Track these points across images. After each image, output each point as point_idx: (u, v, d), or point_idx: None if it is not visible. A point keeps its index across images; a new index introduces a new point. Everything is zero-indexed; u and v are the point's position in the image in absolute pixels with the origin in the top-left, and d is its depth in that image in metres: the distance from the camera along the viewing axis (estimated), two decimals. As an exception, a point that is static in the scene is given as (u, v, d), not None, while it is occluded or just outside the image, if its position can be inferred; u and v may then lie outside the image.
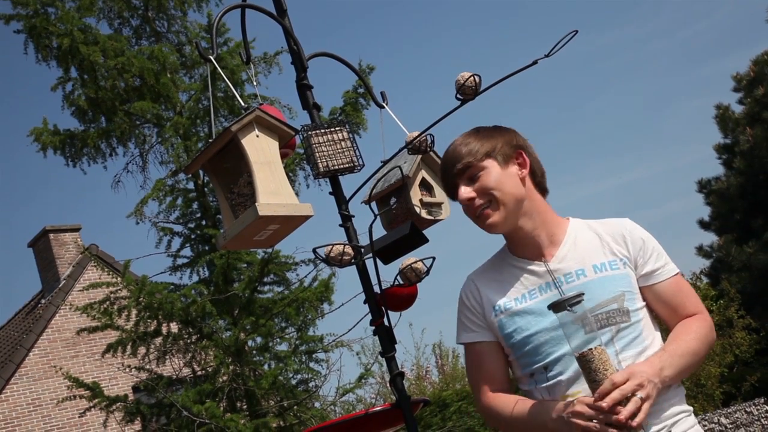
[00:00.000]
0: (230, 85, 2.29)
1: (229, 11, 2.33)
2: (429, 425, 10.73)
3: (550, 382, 2.03)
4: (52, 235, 16.35)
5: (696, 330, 2.06)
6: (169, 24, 9.75)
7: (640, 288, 2.08)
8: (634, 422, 1.83)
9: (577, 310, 1.90)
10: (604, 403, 1.83)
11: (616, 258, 2.08)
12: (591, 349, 1.87)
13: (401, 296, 2.13)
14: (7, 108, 26.65)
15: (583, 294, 1.91)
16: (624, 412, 1.83)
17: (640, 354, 2.01)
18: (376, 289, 2.15)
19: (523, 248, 2.11)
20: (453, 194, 2.11)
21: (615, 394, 1.83)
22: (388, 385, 2.16)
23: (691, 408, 2.09)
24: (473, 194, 2.05)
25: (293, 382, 8.48)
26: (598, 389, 1.85)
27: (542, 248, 2.09)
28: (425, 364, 16.03)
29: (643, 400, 1.85)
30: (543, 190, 2.16)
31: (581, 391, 1.97)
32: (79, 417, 9.28)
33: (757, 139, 15.30)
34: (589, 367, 1.87)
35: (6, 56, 26.14)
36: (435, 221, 2.37)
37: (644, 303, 2.08)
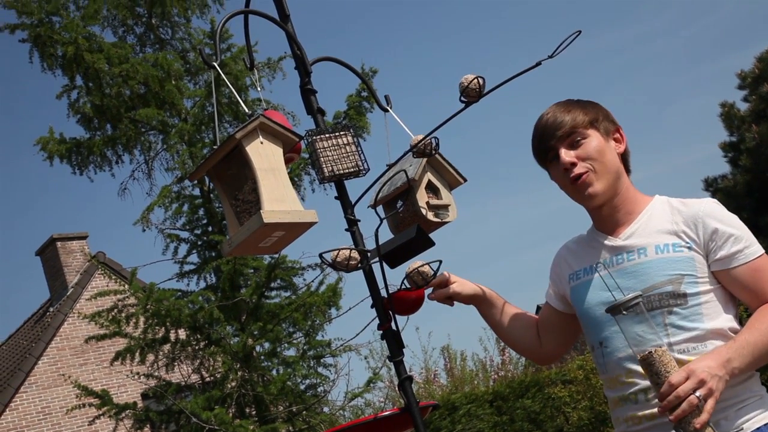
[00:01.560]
0: (234, 91, 2.28)
1: (232, 17, 2.33)
2: (438, 429, 10.71)
3: (606, 359, 2.06)
4: (59, 243, 16.39)
5: (766, 318, 1.95)
6: (173, 31, 9.78)
7: (716, 272, 2.02)
8: (697, 423, 1.78)
9: (634, 311, 1.89)
10: (658, 409, 1.81)
11: (681, 241, 2.03)
12: (651, 351, 1.84)
13: (408, 300, 2.12)
14: (13, 117, 26.73)
15: (640, 296, 1.90)
16: (673, 415, 1.79)
17: (694, 339, 1.97)
18: (383, 293, 2.15)
19: (603, 223, 2.15)
20: (545, 159, 2.13)
21: (671, 398, 1.79)
22: (396, 389, 2.16)
23: (764, 390, 2.03)
24: (575, 159, 2.06)
25: (302, 387, 8.48)
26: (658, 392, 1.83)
27: (618, 224, 2.12)
28: (433, 367, 16.00)
29: (704, 398, 1.79)
30: (628, 170, 2.17)
31: (637, 368, 1.98)
32: (88, 425, 9.27)
33: (763, 137, 15.25)
34: (650, 370, 1.85)
35: (11, 65, 26.24)
36: (442, 223, 2.37)
37: (712, 287, 2.02)
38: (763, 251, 2.04)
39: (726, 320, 2.02)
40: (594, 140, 2.08)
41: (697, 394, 1.79)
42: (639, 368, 1.95)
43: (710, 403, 1.79)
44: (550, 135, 2.09)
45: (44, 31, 8.70)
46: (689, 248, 2.02)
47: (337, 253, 2.06)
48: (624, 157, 2.16)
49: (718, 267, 2.02)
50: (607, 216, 2.13)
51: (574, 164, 2.06)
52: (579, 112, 2.10)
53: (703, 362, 1.85)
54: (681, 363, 1.93)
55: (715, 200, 2.11)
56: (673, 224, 2.06)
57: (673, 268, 2.00)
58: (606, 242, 2.12)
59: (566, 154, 2.07)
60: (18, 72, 27.36)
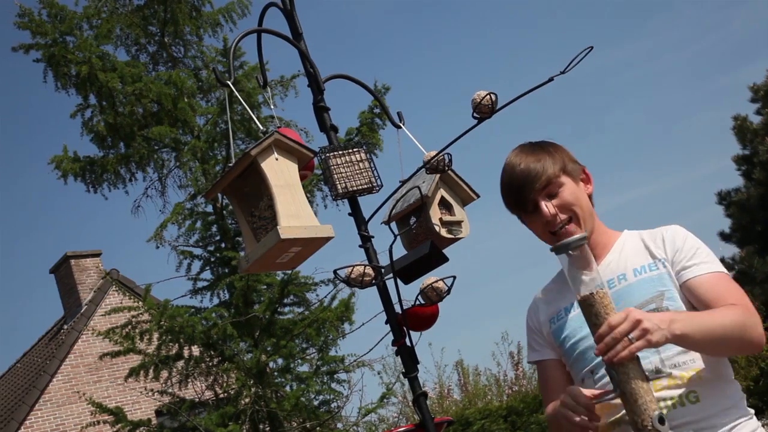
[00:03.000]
0: (247, 108, 2.31)
1: (245, 36, 2.35)
2: (452, 444, 10.67)
3: (598, 386, 2.04)
4: (73, 261, 16.45)
5: (723, 309, 1.95)
6: (186, 49, 9.85)
7: (681, 286, 2.05)
8: (617, 356, 1.75)
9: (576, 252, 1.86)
10: (595, 351, 1.79)
11: (655, 260, 2.09)
12: (592, 293, 1.82)
13: (422, 316, 2.13)
14: (28, 136, 26.93)
15: (584, 237, 1.87)
16: (606, 356, 1.76)
17: (683, 353, 1.98)
18: (398, 309, 2.16)
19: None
20: (524, 210, 2.12)
21: (608, 339, 1.76)
22: (411, 404, 2.16)
23: (751, 411, 2.04)
24: (554, 209, 2.07)
25: (315, 403, 8.47)
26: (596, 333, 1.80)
27: (595, 258, 2.09)
28: (447, 382, 15.95)
29: (636, 339, 1.75)
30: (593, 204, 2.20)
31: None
32: (102, 442, 9.29)
33: (776, 149, 15.21)
34: (590, 311, 1.83)
35: (25, 85, 26.46)
36: (455, 240, 2.38)
37: (685, 303, 2.03)
38: (724, 271, 2.07)
39: None
40: (568, 187, 2.11)
41: (630, 336, 1.75)
42: None
43: (639, 344, 1.76)
44: (529, 187, 2.08)
45: (58, 50, 8.78)
46: (663, 264, 2.07)
47: (352, 270, 2.07)
48: (590, 196, 2.18)
49: (681, 279, 2.05)
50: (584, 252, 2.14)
51: (555, 215, 2.08)
52: (548, 159, 2.11)
53: (646, 313, 1.84)
54: (674, 379, 1.96)
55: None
56: (645, 249, 2.12)
57: (653, 287, 2.04)
58: (583, 277, 2.09)
59: (547, 206, 2.07)
60: (32, 92, 27.58)
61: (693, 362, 1.98)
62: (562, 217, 2.08)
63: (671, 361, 1.98)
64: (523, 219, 2.17)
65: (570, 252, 1.85)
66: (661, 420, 1.73)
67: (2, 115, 26.38)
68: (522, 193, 2.10)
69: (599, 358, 1.97)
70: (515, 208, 2.15)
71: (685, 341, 1.87)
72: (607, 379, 1.98)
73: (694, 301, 2.03)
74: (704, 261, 2.06)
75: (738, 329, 1.94)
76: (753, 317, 1.98)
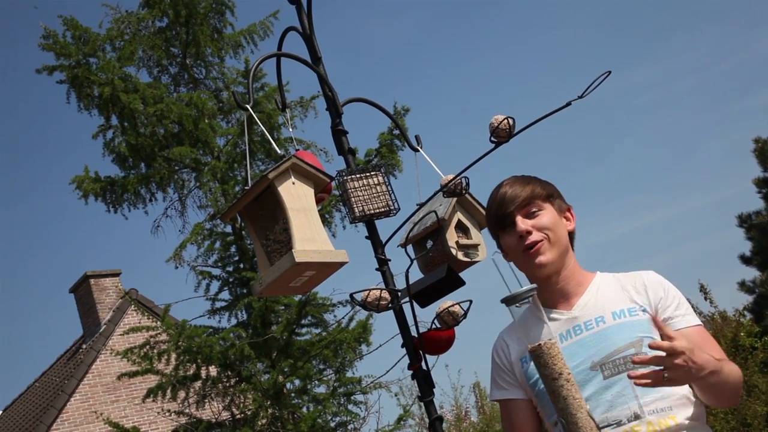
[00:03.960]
0: (266, 131, 2.32)
1: (265, 60, 2.37)
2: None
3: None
4: (92, 281, 16.53)
5: (721, 361, 1.98)
6: (207, 70, 9.94)
7: (661, 336, 2.03)
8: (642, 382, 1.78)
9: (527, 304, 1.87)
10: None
11: (636, 305, 2.09)
12: (540, 344, 1.82)
13: (439, 340, 2.12)
14: (50, 157, 27.20)
15: (534, 288, 1.87)
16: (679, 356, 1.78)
17: (663, 398, 1.98)
18: (414, 333, 2.15)
19: (553, 296, 2.15)
20: (502, 226, 2.13)
21: (668, 348, 1.79)
22: (427, 428, 2.15)
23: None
24: (530, 228, 2.09)
25: (332, 424, 8.43)
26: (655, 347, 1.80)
27: (568, 297, 2.13)
28: (464, 404, 15.86)
29: (690, 369, 1.80)
30: (573, 248, 2.21)
31: None
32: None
33: (798, 173, 15.09)
34: (538, 362, 1.83)
35: (49, 106, 26.76)
36: (472, 263, 2.37)
37: None
38: (701, 324, 2.10)
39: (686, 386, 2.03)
40: (549, 213, 2.13)
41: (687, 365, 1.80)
42: None
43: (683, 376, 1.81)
44: (510, 202, 2.12)
45: (81, 72, 8.88)
46: (644, 311, 2.07)
47: (368, 294, 2.07)
48: (571, 236, 2.20)
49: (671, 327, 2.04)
50: (558, 289, 2.14)
51: (529, 232, 2.09)
52: (537, 185, 2.16)
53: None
54: (653, 425, 1.96)
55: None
56: (623, 292, 2.11)
57: (633, 331, 2.03)
58: (556, 315, 2.12)
59: (522, 222, 2.10)
60: (55, 113, 27.89)
61: (671, 410, 1.98)
62: (535, 236, 2.09)
63: (650, 407, 1.98)
64: (499, 240, 2.17)
65: (517, 305, 1.86)
66: None
67: (25, 135, 26.67)
68: (502, 209, 2.12)
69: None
70: (495, 224, 2.16)
71: (714, 377, 1.89)
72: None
73: None
74: (687, 313, 2.08)
75: (732, 375, 1.97)
76: (734, 365, 2.03)
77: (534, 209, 2.12)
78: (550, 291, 2.14)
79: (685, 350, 1.79)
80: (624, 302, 2.09)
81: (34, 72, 9.05)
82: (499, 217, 2.13)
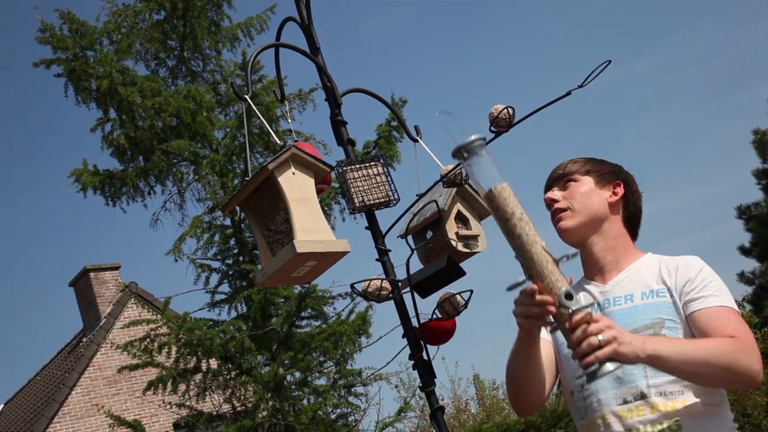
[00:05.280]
0: (265, 122, 2.32)
1: (263, 50, 2.36)
2: (470, 459, 10.61)
3: (585, 402, 2.07)
4: (92, 274, 16.53)
5: (714, 339, 1.94)
6: (204, 63, 9.92)
7: (687, 318, 2.04)
8: (583, 360, 1.72)
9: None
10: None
11: (664, 287, 2.09)
12: (491, 189, 1.75)
13: (440, 330, 2.13)
14: (48, 150, 27.17)
15: (482, 138, 1.78)
16: (572, 345, 1.73)
17: (673, 382, 1.97)
18: (415, 323, 2.15)
19: (590, 268, 2.22)
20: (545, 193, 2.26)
21: (578, 333, 1.73)
22: (428, 419, 2.14)
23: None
24: (558, 197, 2.19)
25: (333, 416, 8.45)
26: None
27: (604, 271, 2.17)
28: (463, 396, 15.88)
29: (603, 343, 1.72)
30: (632, 227, 2.24)
31: (617, 410, 1.99)
32: (121, 455, 9.31)
33: (797, 163, 15.09)
34: (491, 207, 1.77)
35: (46, 99, 26.72)
36: (472, 254, 2.37)
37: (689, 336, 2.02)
38: (734, 306, 2.03)
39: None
40: (583, 185, 2.21)
41: (600, 337, 1.73)
42: (619, 410, 1.99)
43: (606, 350, 1.72)
44: (550, 177, 2.25)
45: (79, 65, 8.86)
46: (670, 294, 2.07)
47: (369, 284, 2.07)
48: (626, 211, 2.23)
49: (687, 310, 2.04)
50: (594, 261, 2.19)
51: (553, 200, 2.19)
52: (582, 162, 2.24)
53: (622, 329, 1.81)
54: (657, 407, 1.95)
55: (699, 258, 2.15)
56: (658, 274, 2.12)
57: (656, 313, 2.04)
58: (593, 288, 2.17)
59: (551, 193, 2.21)
60: (53, 106, 27.85)
61: (681, 394, 1.97)
62: (560, 205, 2.17)
63: (659, 389, 1.98)
64: None
65: (465, 154, 1.75)
66: (568, 296, 1.72)
67: (23, 129, 26.63)
68: (547, 181, 2.25)
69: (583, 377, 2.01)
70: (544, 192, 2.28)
71: (659, 362, 1.85)
72: (591, 396, 2.05)
73: (696, 333, 2.01)
74: (714, 294, 2.03)
75: (725, 358, 1.90)
76: (749, 351, 1.94)
77: (570, 181, 2.21)
78: (586, 262, 2.21)
79: (593, 328, 1.73)
80: (656, 283, 2.11)
81: (32, 65, 9.05)
82: (544, 189, 2.26)
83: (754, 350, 1.95)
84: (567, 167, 2.23)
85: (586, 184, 2.21)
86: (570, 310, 1.71)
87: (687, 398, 1.97)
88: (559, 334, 2.05)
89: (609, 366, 1.71)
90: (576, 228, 2.17)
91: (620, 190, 2.23)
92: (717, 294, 2.04)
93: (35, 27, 8.93)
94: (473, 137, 1.75)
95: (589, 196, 2.19)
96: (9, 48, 25.41)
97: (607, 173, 2.24)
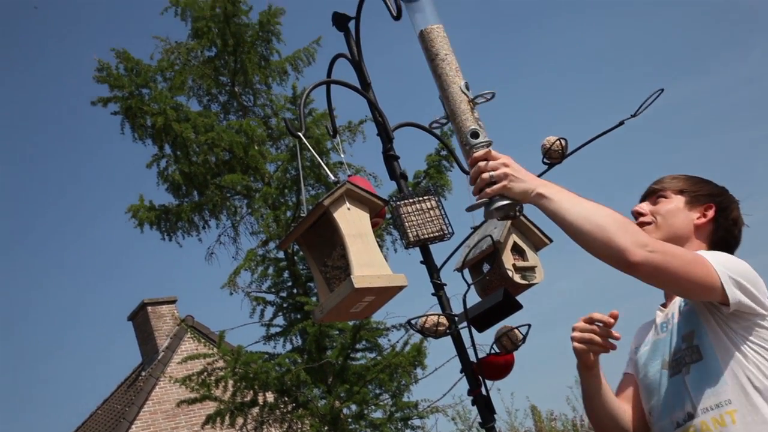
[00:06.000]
0: (316, 155, 2.33)
1: (315, 88, 2.38)
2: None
3: (657, 425, 2.06)
4: (150, 308, 16.74)
5: (605, 207, 1.87)
6: (255, 98, 10.07)
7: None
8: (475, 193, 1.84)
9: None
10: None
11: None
12: (422, 29, 1.90)
13: (498, 365, 2.10)
14: (106, 186, 27.75)
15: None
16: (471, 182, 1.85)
17: (716, 393, 1.91)
18: (472, 357, 2.13)
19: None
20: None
21: (474, 171, 1.85)
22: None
23: None
24: (645, 210, 2.20)
25: (390, 449, 8.40)
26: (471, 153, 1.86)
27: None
28: (520, 428, 15.66)
29: (495, 178, 1.82)
30: (720, 251, 2.10)
31: None
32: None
33: None
34: (423, 46, 1.93)
35: (103, 137, 27.34)
36: (529, 285, 2.34)
37: (727, 339, 1.94)
38: (707, 257, 1.94)
39: (746, 373, 1.92)
40: (672, 203, 2.18)
41: (492, 174, 1.83)
42: None
43: (496, 187, 1.83)
44: (647, 189, 2.25)
45: (135, 103, 9.06)
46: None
47: (426, 320, 2.06)
48: (715, 236, 2.15)
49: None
50: None
51: (639, 213, 2.19)
52: (681, 180, 2.22)
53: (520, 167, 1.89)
54: (706, 425, 1.90)
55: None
56: None
57: (688, 324, 2.02)
58: (659, 311, 2.17)
59: (640, 206, 2.21)
60: (109, 144, 28.47)
61: (729, 403, 1.91)
62: (645, 219, 2.17)
63: (703, 404, 1.93)
64: None
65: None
66: (474, 134, 1.83)
67: (81, 167, 27.26)
68: (646, 191, 2.26)
69: (654, 399, 2.06)
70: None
71: (547, 207, 1.86)
72: (657, 421, 2.04)
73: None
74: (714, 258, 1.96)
75: (604, 221, 1.82)
76: (634, 232, 1.85)
77: (660, 197, 2.20)
78: None
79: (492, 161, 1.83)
80: None
81: (90, 104, 9.28)
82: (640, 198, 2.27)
83: (639, 233, 1.86)
84: (664, 182, 2.22)
85: (675, 202, 2.18)
86: (472, 149, 1.82)
87: (737, 406, 1.90)
88: (640, 362, 2.06)
89: (500, 202, 1.81)
90: None
91: (710, 213, 2.18)
92: (718, 259, 1.96)
93: (93, 66, 9.18)
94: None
95: (674, 214, 2.17)
96: (68, 87, 26.11)
97: (703, 195, 2.19)
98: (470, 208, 1.92)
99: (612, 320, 2.01)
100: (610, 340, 2.01)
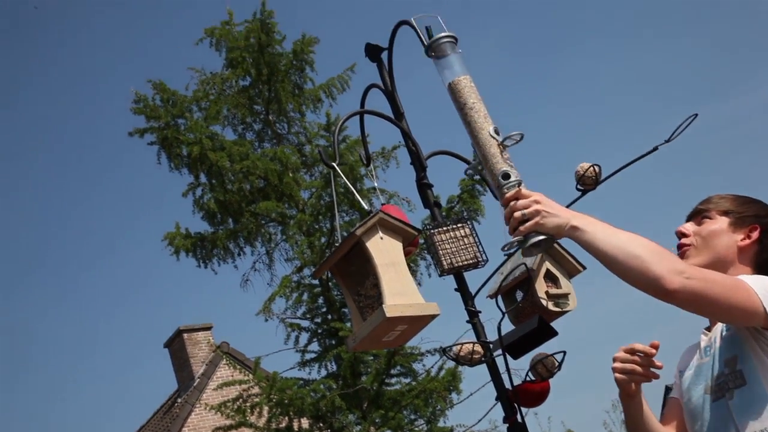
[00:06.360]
0: (350, 184, 2.35)
1: (349, 118, 2.42)
2: None
3: None
4: (186, 335, 16.84)
5: (640, 236, 1.85)
6: (289, 126, 10.17)
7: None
8: (511, 231, 1.87)
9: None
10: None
11: None
12: (450, 82, 2.00)
13: (534, 392, 2.10)
14: (143, 215, 28.09)
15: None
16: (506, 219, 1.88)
17: (762, 418, 1.88)
18: (507, 384, 2.13)
19: None
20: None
21: (507, 212, 1.88)
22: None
23: None
24: (688, 231, 2.15)
25: (426, 475, 8.35)
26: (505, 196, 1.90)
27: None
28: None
29: (528, 216, 1.84)
30: (765, 272, 2.08)
31: None
32: None
33: None
34: (452, 97, 2.01)
35: (140, 167, 27.73)
36: (563, 313, 2.34)
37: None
38: (745, 281, 1.91)
39: None
40: (716, 224, 2.13)
41: (524, 212, 1.85)
42: None
43: (529, 225, 1.85)
44: (694, 208, 2.20)
45: (171, 133, 9.20)
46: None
47: (461, 348, 2.07)
48: (759, 258, 2.11)
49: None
50: None
51: (685, 235, 2.14)
52: (727, 200, 2.17)
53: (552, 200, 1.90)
54: None
55: None
56: None
57: (730, 349, 1.99)
58: (704, 335, 2.14)
59: (684, 226, 2.16)
60: (147, 174, 28.85)
61: None
62: (688, 240, 2.13)
63: (748, 429, 1.90)
64: None
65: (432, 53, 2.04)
66: (505, 176, 1.90)
67: (119, 196, 27.64)
68: (693, 210, 2.21)
69: (698, 424, 2.04)
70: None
71: (581, 238, 1.86)
72: None
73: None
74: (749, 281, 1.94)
75: (645, 254, 1.80)
76: (671, 259, 1.83)
77: (705, 218, 2.15)
78: None
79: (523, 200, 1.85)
80: None
81: (127, 135, 9.44)
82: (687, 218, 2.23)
83: (675, 261, 1.85)
84: (711, 202, 2.17)
85: (719, 223, 2.13)
86: (503, 189, 1.88)
87: None
88: (684, 386, 2.05)
89: (535, 238, 1.84)
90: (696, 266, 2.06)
91: (755, 235, 2.12)
92: (754, 283, 1.93)
93: (130, 98, 9.34)
94: (442, 35, 2.01)
95: (718, 236, 2.11)
96: (106, 118, 26.55)
97: (748, 216, 2.13)
98: (505, 247, 1.95)
99: (654, 350, 1.99)
100: (652, 370, 2.01)
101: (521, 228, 1.85)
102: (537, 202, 1.85)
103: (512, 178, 1.89)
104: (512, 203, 1.87)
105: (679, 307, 1.85)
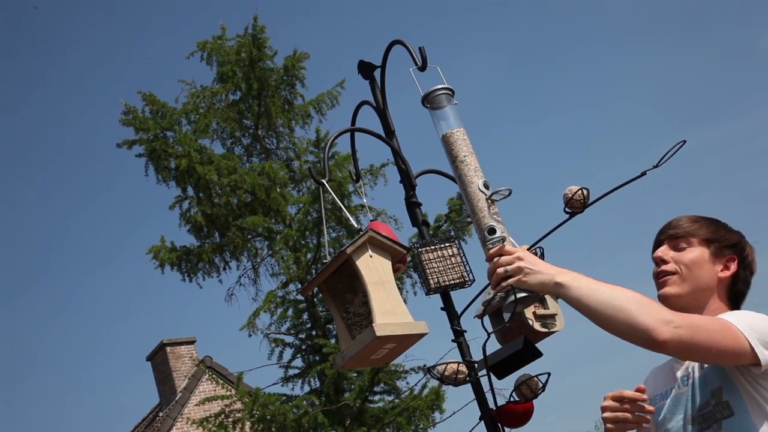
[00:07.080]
0: (338, 201, 2.36)
1: (339, 136, 2.43)
2: None
3: None
4: (168, 348, 16.74)
5: (624, 288, 1.85)
6: (278, 141, 10.17)
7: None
8: (493, 286, 1.90)
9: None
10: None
11: None
12: (443, 134, 2.04)
13: (518, 413, 2.10)
14: (128, 227, 27.96)
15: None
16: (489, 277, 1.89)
17: None
18: (492, 405, 2.13)
19: None
20: (654, 248, 2.17)
21: (490, 267, 1.90)
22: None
23: None
24: (668, 258, 2.10)
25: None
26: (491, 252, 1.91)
27: None
28: (542, 474, 15.49)
29: (510, 273, 1.86)
30: (735, 303, 2.12)
31: None
32: None
33: None
34: (445, 149, 2.05)
35: (132, 178, 27.63)
36: (549, 333, 2.34)
37: (759, 397, 1.93)
38: (734, 321, 1.91)
39: None
40: (696, 253, 2.10)
41: (507, 268, 1.86)
42: None
43: (511, 281, 1.87)
44: (665, 230, 2.15)
45: (159, 145, 9.19)
46: None
47: (445, 368, 2.07)
48: (733, 288, 2.12)
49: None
50: None
51: (665, 261, 2.10)
52: (703, 226, 2.13)
53: (534, 256, 1.91)
54: None
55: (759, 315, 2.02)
56: None
57: (715, 379, 1.98)
58: (680, 364, 2.10)
59: (663, 251, 2.11)
60: (133, 186, 28.75)
61: None
62: (669, 267, 2.08)
63: None
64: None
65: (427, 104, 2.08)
66: (491, 231, 1.93)
67: (104, 207, 27.51)
68: (659, 234, 2.16)
69: None
70: (653, 246, 2.19)
71: (566, 295, 1.86)
72: None
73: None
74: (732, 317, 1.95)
75: (626, 304, 1.81)
76: (655, 308, 1.83)
77: (684, 245, 2.11)
78: None
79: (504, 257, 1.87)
80: None
81: (115, 146, 9.41)
82: (655, 239, 2.18)
83: (662, 311, 1.85)
84: (685, 227, 2.12)
85: (699, 252, 2.10)
86: (489, 245, 1.90)
87: None
88: (658, 416, 2.07)
89: (518, 295, 1.86)
90: (679, 296, 2.06)
91: (733, 267, 2.12)
92: (736, 317, 1.94)
93: (119, 109, 9.33)
94: (438, 87, 2.05)
95: (700, 266, 2.08)
96: (93, 129, 26.48)
97: (726, 246, 2.12)
98: (485, 304, 1.99)
99: (643, 396, 1.98)
100: (643, 414, 1.98)
101: (503, 284, 1.87)
102: (519, 258, 1.86)
103: (497, 234, 1.91)
104: (495, 259, 1.88)
105: (668, 355, 1.86)
